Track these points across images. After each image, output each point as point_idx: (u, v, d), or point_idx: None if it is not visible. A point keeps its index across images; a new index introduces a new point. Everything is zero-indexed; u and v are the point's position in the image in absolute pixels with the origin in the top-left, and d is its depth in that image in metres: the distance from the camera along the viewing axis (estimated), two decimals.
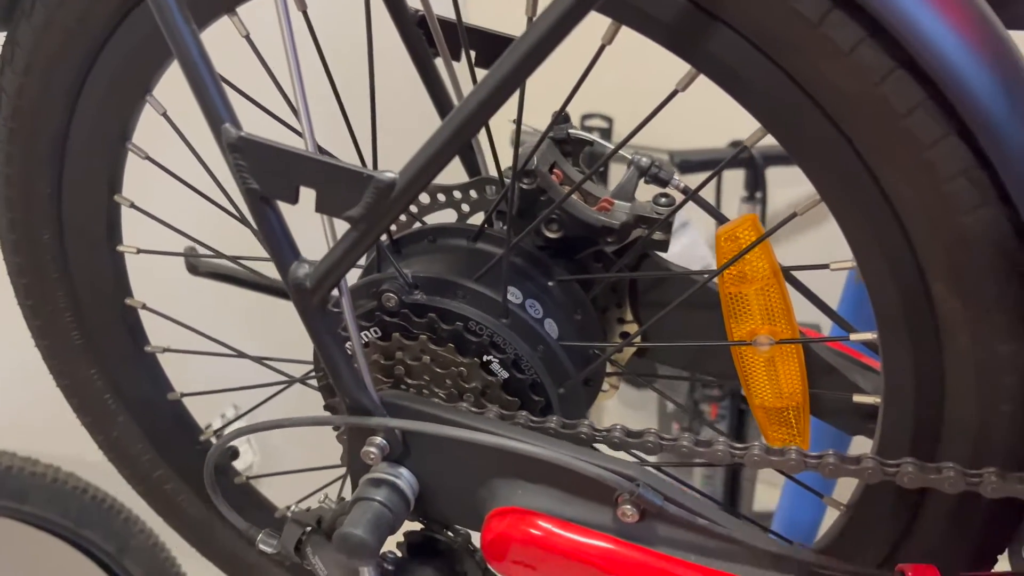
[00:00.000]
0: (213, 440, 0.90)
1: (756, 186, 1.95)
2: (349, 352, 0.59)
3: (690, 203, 0.66)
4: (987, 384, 0.53)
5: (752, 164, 1.94)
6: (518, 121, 0.62)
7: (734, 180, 2.04)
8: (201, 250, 0.79)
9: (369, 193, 0.50)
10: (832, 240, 0.59)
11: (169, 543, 1.51)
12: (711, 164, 1.83)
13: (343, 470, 0.85)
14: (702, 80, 0.54)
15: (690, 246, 1.85)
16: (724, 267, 0.59)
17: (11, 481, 1.30)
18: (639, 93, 0.61)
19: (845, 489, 0.73)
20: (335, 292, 0.57)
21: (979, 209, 0.48)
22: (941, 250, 0.50)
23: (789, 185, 1.97)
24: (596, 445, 0.61)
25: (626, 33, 0.53)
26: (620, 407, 2.26)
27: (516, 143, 0.63)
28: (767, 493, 2.19)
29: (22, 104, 0.68)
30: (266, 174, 0.51)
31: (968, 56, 0.45)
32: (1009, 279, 0.49)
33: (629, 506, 0.56)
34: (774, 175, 1.96)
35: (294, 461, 0.92)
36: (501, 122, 0.72)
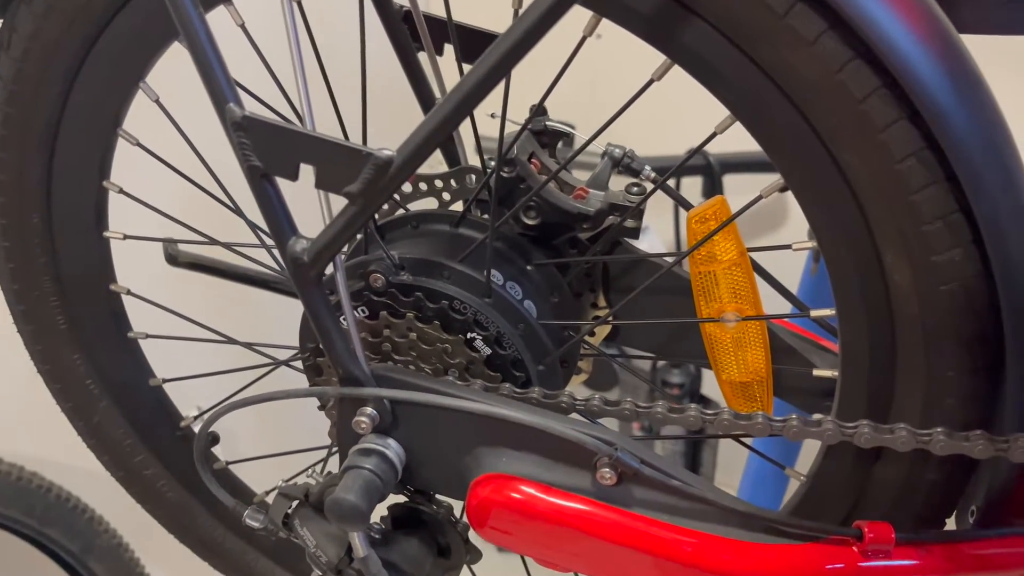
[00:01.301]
0: (194, 426, 0.91)
1: (713, 192, 2.00)
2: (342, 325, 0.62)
3: (648, 210, 0.70)
4: (934, 351, 0.57)
5: (709, 171, 2.00)
6: (503, 111, 0.66)
7: (692, 187, 2.09)
8: (189, 235, 0.81)
9: (368, 170, 0.53)
10: (789, 228, 0.64)
11: (133, 544, 1.51)
12: (669, 170, 1.89)
13: (320, 454, 0.88)
14: (662, 90, 0.58)
15: (649, 249, 1.91)
16: (695, 247, 0.63)
17: None
18: (598, 104, 0.65)
19: (804, 465, 0.78)
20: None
21: (929, 187, 0.53)
22: (894, 225, 0.54)
23: (745, 192, 2.04)
24: (575, 414, 0.64)
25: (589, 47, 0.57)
26: (585, 393, 2.31)
27: (501, 133, 0.66)
28: (727, 475, 2.25)
29: (18, 89, 0.69)
30: (268, 152, 0.54)
31: (919, 48, 0.50)
32: (954, 250, 0.54)
33: (607, 469, 0.59)
34: (730, 182, 2.02)
35: (255, 450, 0.94)
36: (480, 116, 0.76)
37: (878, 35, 0.49)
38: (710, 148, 2.09)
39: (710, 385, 2.09)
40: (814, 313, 0.64)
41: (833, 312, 0.61)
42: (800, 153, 0.56)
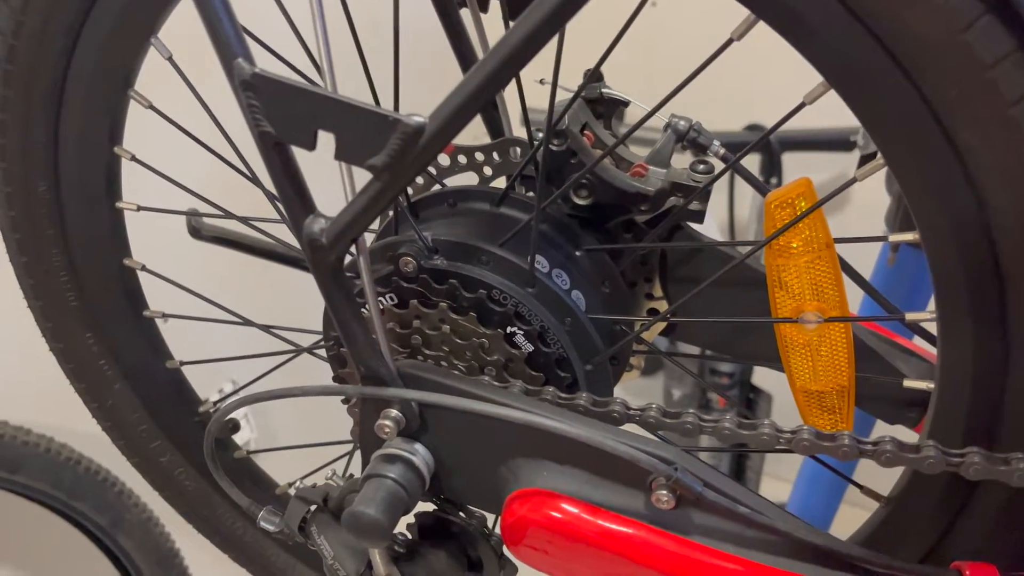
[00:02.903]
0: (213, 412, 0.85)
1: (772, 171, 1.90)
2: (365, 316, 0.55)
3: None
4: None
5: (768, 149, 1.89)
6: (555, 75, 0.57)
7: (749, 166, 1.99)
8: (206, 209, 0.74)
9: (395, 139, 0.45)
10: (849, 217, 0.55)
11: (163, 518, 1.49)
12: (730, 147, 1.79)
13: (347, 447, 0.81)
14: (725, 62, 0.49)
15: (704, 233, 1.82)
16: (775, 235, 0.54)
17: (3, 450, 1.27)
18: (655, 73, 0.57)
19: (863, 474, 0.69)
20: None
21: None
22: (1018, 219, 0.46)
23: (805, 172, 1.93)
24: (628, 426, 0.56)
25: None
26: (621, 393, 2.23)
27: (552, 100, 0.58)
28: (773, 486, 2.16)
29: (19, 44, 0.63)
30: (281, 116, 0.47)
31: None
32: None
33: (665, 491, 0.51)
34: (790, 161, 1.91)
35: (292, 439, 0.88)
36: (527, 83, 0.67)
37: None
38: (768, 124, 1.97)
39: (762, 374, 1.99)
40: (910, 316, 0.55)
41: (931, 315, 0.52)
42: (907, 131, 0.46)
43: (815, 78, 0.48)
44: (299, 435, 0.88)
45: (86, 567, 1.45)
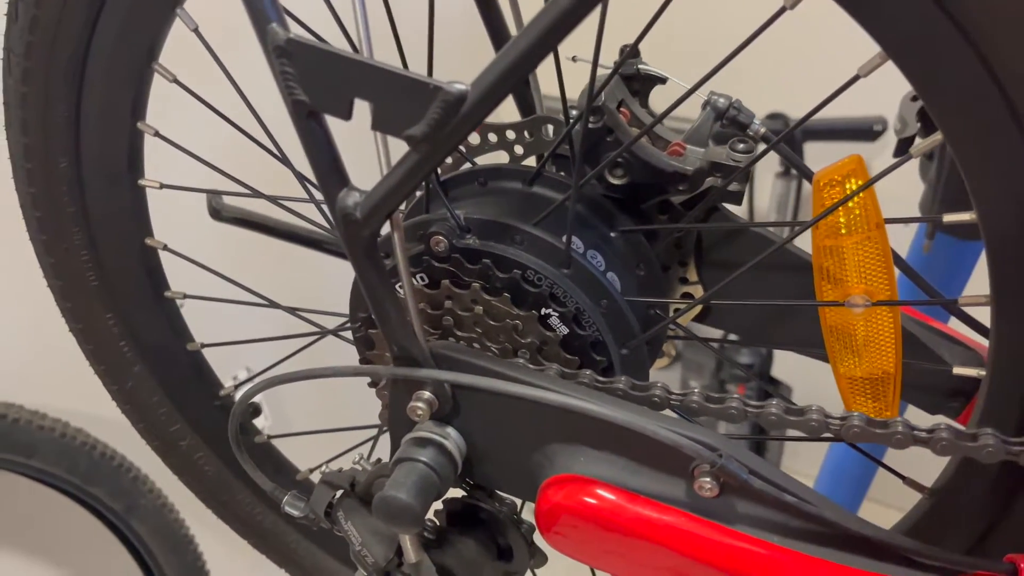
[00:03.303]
0: (234, 395, 0.84)
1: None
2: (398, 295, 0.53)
3: None
4: None
5: (790, 137, 1.87)
6: (596, 49, 0.55)
7: (770, 158, 1.97)
8: (231, 187, 0.72)
9: (435, 108, 0.43)
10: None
11: (178, 505, 1.48)
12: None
13: (367, 433, 0.80)
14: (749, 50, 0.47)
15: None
16: (823, 214, 0.52)
17: (18, 435, 1.26)
18: (693, 53, 0.55)
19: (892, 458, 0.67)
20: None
21: None
22: None
23: (827, 161, 1.90)
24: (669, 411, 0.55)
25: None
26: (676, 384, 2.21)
27: (593, 73, 0.56)
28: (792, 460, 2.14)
29: (41, 14, 0.61)
30: (317, 84, 0.45)
31: None
32: None
33: (708, 478, 0.50)
34: (812, 150, 1.88)
35: (306, 426, 0.87)
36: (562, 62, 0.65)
37: None
38: (789, 113, 1.95)
39: (780, 367, 1.97)
40: (963, 301, 0.53)
41: (985, 298, 0.50)
42: (972, 107, 0.44)
43: (840, 68, 0.46)
44: (314, 422, 0.87)
45: (100, 552, 1.44)
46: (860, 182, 0.51)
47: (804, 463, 1.99)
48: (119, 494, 1.40)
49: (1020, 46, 0.41)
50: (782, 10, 0.48)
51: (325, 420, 0.86)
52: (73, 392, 1.38)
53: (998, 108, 0.44)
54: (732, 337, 0.69)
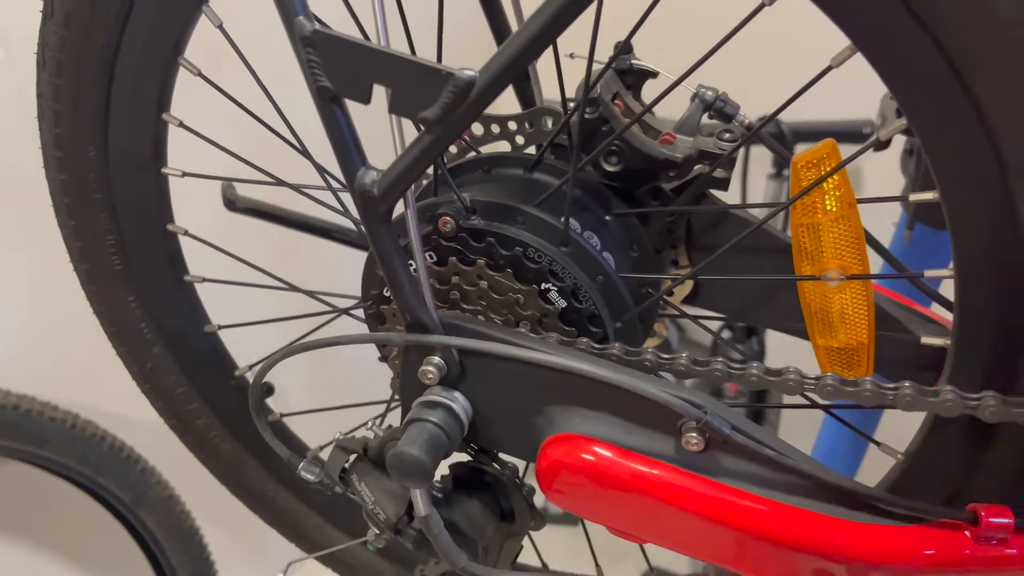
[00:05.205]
0: (249, 376, 0.88)
1: (784, 162, 1.92)
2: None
3: None
4: None
5: (781, 139, 1.92)
6: (592, 45, 0.60)
7: (761, 157, 2.02)
8: (250, 174, 0.77)
9: (447, 92, 0.48)
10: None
11: (184, 497, 1.51)
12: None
13: (374, 409, 0.84)
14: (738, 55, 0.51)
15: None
16: (799, 195, 0.57)
17: (30, 425, 1.29)
18: (686, 49, 0.59)
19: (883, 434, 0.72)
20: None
21: None
22: None
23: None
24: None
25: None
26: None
27: (589, 68, 0.61)
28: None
29: (76, 11, 0.66)
30: (339, 71, 0.49)
31: None
32: None
33: (694, 434, 0.54)
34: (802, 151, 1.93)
35: (300, 404, 0.91)
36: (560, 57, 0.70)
37: None
38: (783, 116, 2.00)
39: (772, 360, 2.01)
40: (929, 273, 0.57)
41: (950, 272, 0.55)
42: (931, 91, 0.49)
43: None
44: (312, 403, 0.91)
45: (109, 541, 1.47)
46: (834, 164, 0.56)
47: (798, 440, 2.04)
48: (128, 485, 1.42)
49: (972, 28, 0.46)
50: (761, 6, 0.53)
51: (321, 401, 0.90)
52: (82, 386, 1.42)
53: (954, 93, 0.48)
54: (715, 314, 0.73)
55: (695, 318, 0.72)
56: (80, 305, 0.82)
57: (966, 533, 0.53)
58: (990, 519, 0.52)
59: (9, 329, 1.31)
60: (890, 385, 0.53)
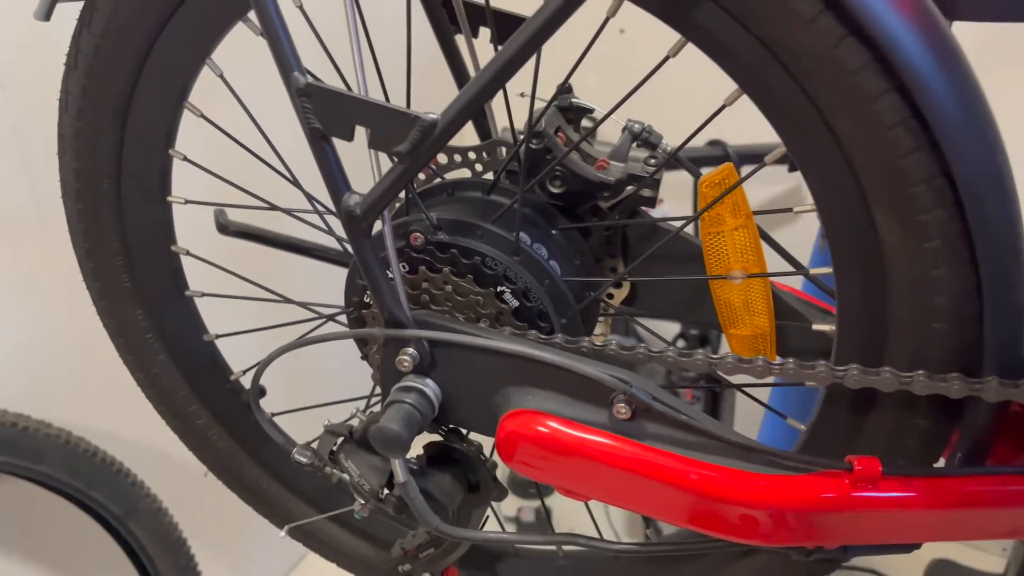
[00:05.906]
0: (242, 381, 0.99)
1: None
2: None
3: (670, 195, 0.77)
4: (921, 304, 0.63)
5: (727, 161, 2.06)
6: (533, 88, 0.73)
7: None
8: (246, 201, 0.88)
9: (415, 131, 0.60)
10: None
11: (171, 509, 1.57)
12: (694, 160, 1.95)
13: (356, 405, 0.95)
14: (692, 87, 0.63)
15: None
16: (704, 209, 0.70)
17: (28, 442, 1.35)
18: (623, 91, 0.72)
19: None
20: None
21: (914, 153, 0.58)
22: (884, 188, 0.61)
23: (763, 183, 2.09)
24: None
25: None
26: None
27: (531, 107, 0.73)
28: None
29: (97, 63, 0.77)
30: (328, 115, 0.62)
31: (904, 26, 0.56)
32: (938, 210, 0.60)
33: (623, 405, 0.66)
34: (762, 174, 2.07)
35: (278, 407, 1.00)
36: (510, 97, 0.83)
37: (868, 14, 0.55)
38: (730, 140, 2.15)
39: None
40: (813, 271, 0.70)
41: (831, 270, 0.68)
42: (800, 123, 0.61)
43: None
44: (288, 406, 1.00)
45: (99, 553, 1.53)
46: (731, 183, 0.69)
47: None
48: (119, 498, 1.46)
49: (824, 76, 0.59)
50: (667, 58, 0.66)
51: (302, 413, 0.99)
52: (75, 405, 1.48)
53: (818, 126, 0.61)
54: (641, 312, 0.85)
55: (631, 315, 0.84)
56: (72, 329, 0.91)
57: (845, 480, 0.66)
58: (861, 467, 0.64)
59: (4, 351, 1.37)
60: (776, 363, 0.65)
